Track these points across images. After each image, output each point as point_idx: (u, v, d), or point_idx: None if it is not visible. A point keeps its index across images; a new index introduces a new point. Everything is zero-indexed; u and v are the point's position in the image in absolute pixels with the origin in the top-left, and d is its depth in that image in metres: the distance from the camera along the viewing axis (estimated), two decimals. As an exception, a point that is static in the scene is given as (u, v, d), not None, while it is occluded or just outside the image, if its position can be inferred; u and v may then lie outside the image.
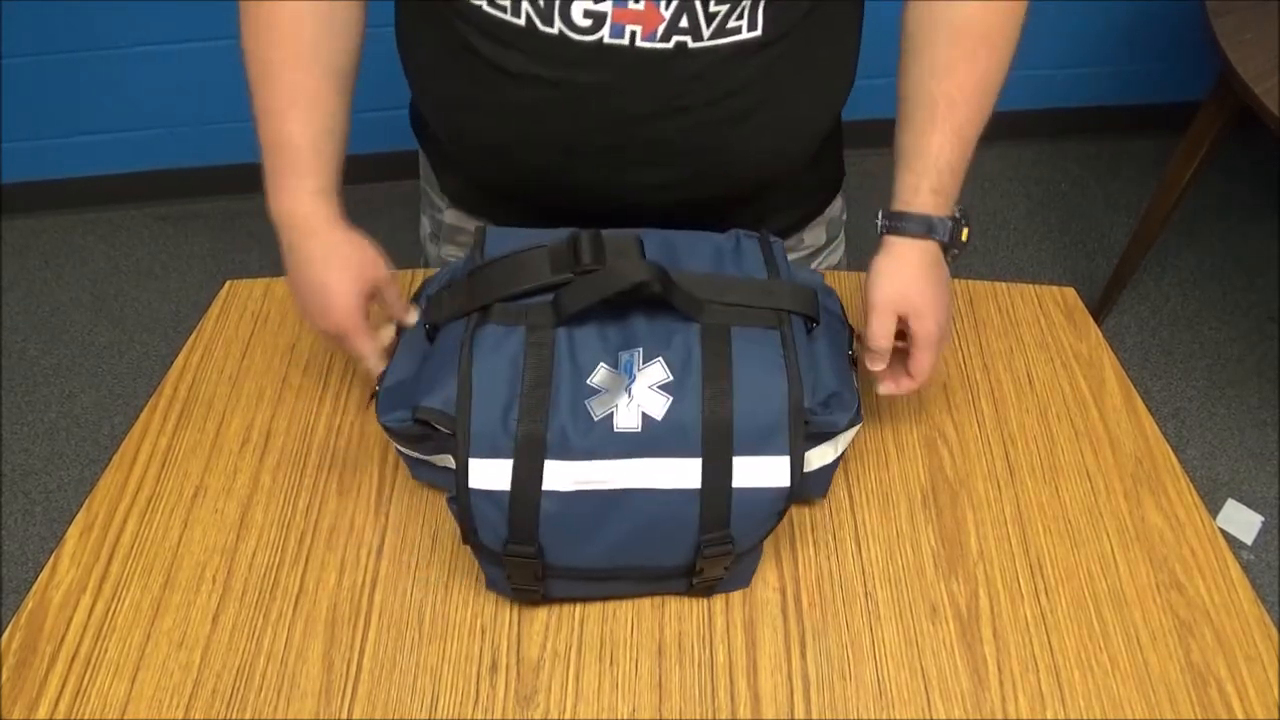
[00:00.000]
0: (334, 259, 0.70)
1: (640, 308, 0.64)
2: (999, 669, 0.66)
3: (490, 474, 0.60)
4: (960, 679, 0.66)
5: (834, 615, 0.69)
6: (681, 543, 0.62)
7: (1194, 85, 1.78)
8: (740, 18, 0.65)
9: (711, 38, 0.65)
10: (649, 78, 0.67)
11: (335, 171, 0.72)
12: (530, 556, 0.61)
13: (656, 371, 0.62)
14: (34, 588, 0.70)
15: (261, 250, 2.02)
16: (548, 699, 0.65)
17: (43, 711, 0.64)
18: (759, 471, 0.61)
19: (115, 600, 0.69)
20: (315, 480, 0.76)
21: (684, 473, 0.61)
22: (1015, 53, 0.71)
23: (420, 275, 0.90)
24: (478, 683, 0.65)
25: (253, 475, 0.77)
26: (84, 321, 2.00)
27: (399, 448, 0.72)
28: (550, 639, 0.67)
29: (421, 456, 0.71)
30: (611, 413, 0.60)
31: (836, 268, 0.98)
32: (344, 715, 0.64)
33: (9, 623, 0.69)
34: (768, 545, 0.72)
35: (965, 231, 0.70)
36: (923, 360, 0.69)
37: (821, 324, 0.69)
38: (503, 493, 0.60)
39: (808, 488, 0.71)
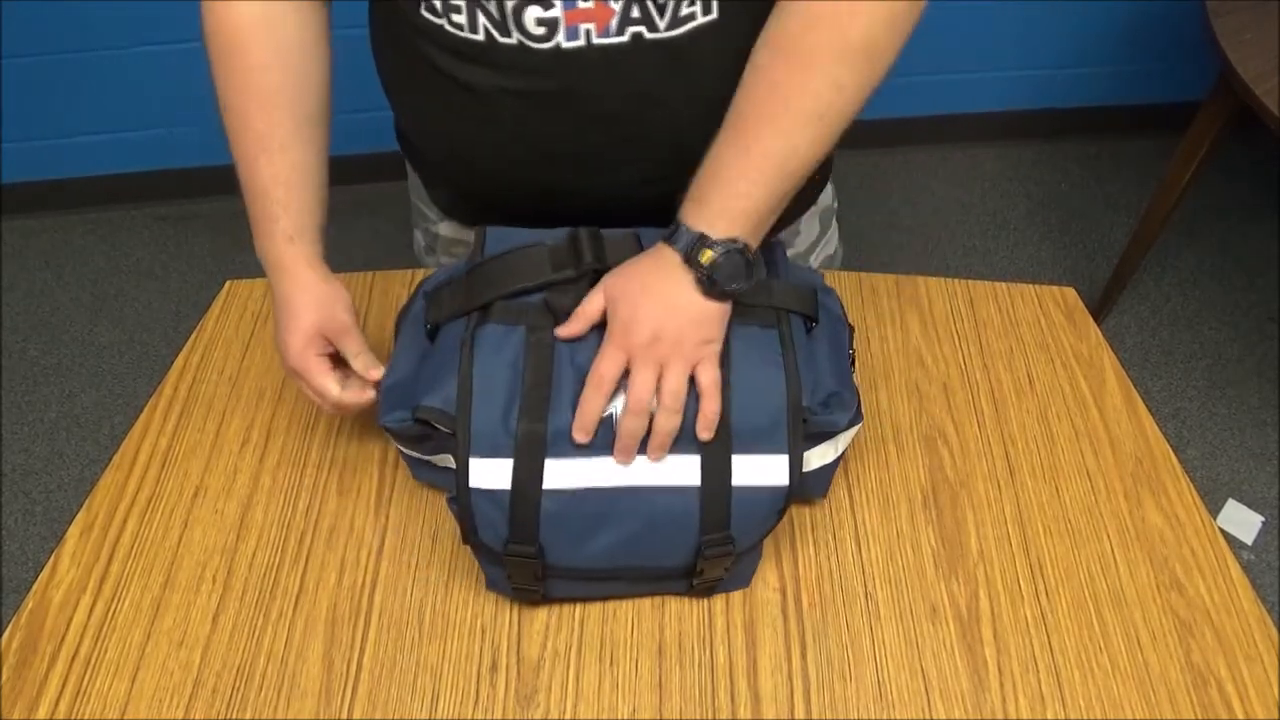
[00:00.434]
0: (296, 299, 0.70)
1: None
2: (999, 669, 0.66)
3: (491, 473, 0.60)
4: (960, 679, 0.66)
5: (834, 616, 0.69)
6: (682, 543, 0.62)
7: (1194, 85, 1.78)
8: (693, 3, 0.64)
9: (668, 27, 0.65)
10: (612, 75, 0.67)
11: (310, 214, 0.72)
12: (531, 556, 0.61)
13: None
14: (34, 587, 0.70)
15: (262, 250, 2.02)
16: (548, 699, 0.65)
17: (43, 711, 0.64)
18: (758, 470, 0.61)
19: (115, 600, 0.69)
20: (315, 480, 0.76)
21: (683, 470, 0.61)
22: (850, 76, 0.62)
23: (420, 274, 0.90)
24: (478, 682, 0.65)
25: (253, 475, 0.77)
26: (84, 321, 2.00)
27: (399, 448, 0.72)
28: (550, 639, 0.67)
29: (422, 456, 0.71)
30: (611, 413, 0.60)
31: (833, 259, 0.98)
32: (344, 715, 0.64)
33: (9, 622, 0.69)
34: (768, 545, 0.72)
35: (709, 254, 0.59)
36: (601, 357, 0.61)
37: (821, 323, 0.69)
38: (503, 492, 0.60)
39: (808, 487, 0.71)
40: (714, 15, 0.65)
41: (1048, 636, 0.68)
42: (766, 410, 0.61)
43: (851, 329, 0.73)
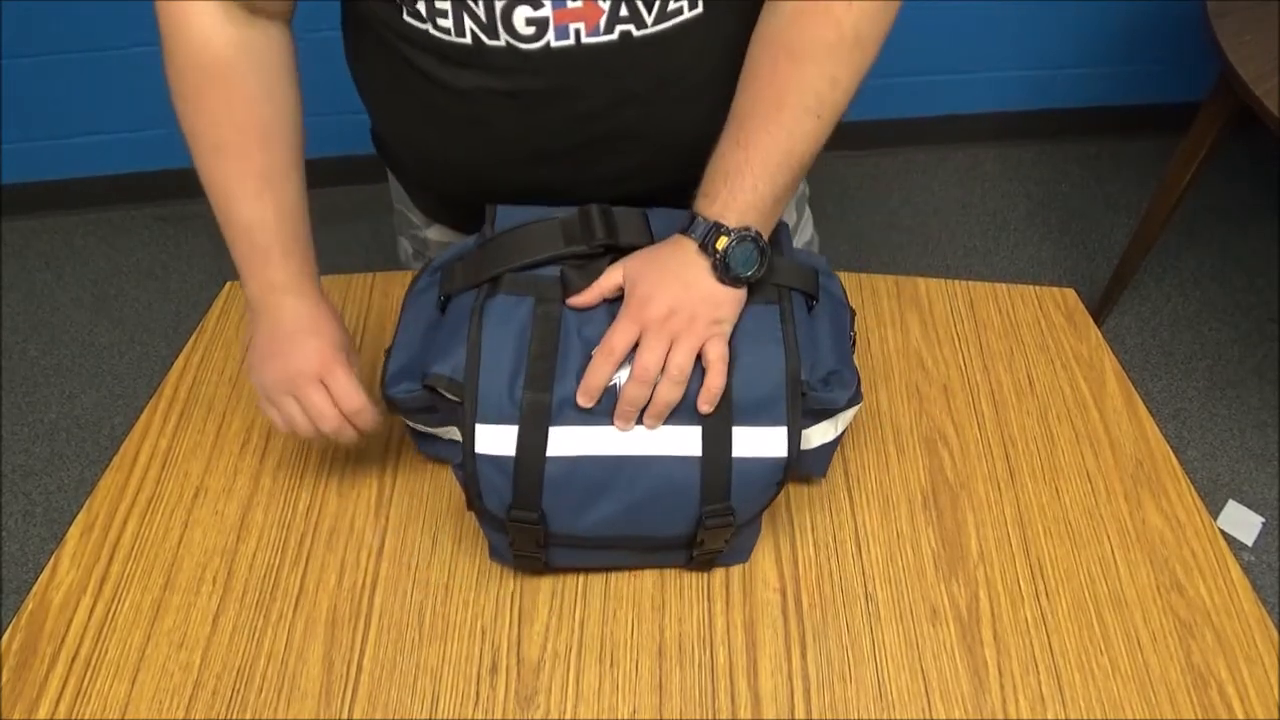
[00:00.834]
0: (320, 319, 0.69)
1: None
2: (999, 671, 0.66)
3: (496, 439, 0.60)
4: (961, 681, 0.66)
5: (834, 616, 0.69)
6: (682, 513, 0.63)
7: (1194, 86, 1.78)
8: None
9: (655, 23, 0.65)
10: (600, 73, 0.67)
11: (307, 247, 0.71)
12: (533, 522, 0.62)
13: None
14: (34, 588, 0.70)
15: (262, 250, 2.02)
16: (548, 700, 0.65)
17: (43, 712, 0.64)
18: (758, 441, 0.62)
19: (116, 601, 0.69)
20: (315, 481, 0.76)
21: (684, 440, 0.62)
22: (843, 69, 0.64)
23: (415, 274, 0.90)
24: (478, 684, 0.65)
25: (253, 476, 0.77)
26: (84, 322, 2.00)
27: (406, 422, 0.72)
28: (550, 640, 0.67)
29: (428, 430, 0.71)
30: (615, 383, 0.61)
31: (810, 245, 0.98)
32: (344, 716, 0.64)
33: (9, 624, 0.69)
34: (767, 546, 0.72)
35: (724, 241, 0.62)
36: (614, 328, 0.63)
37: (822, 304, 0.70)
38: (507, 458, 0.60)
39: (808, 465, 0.72)
40: (700, 10, 0.66)
41: (1048, 638, 0.68)
42: (766, 383, 0.62)
43: (853, 312, 0.74)
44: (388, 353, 0.70)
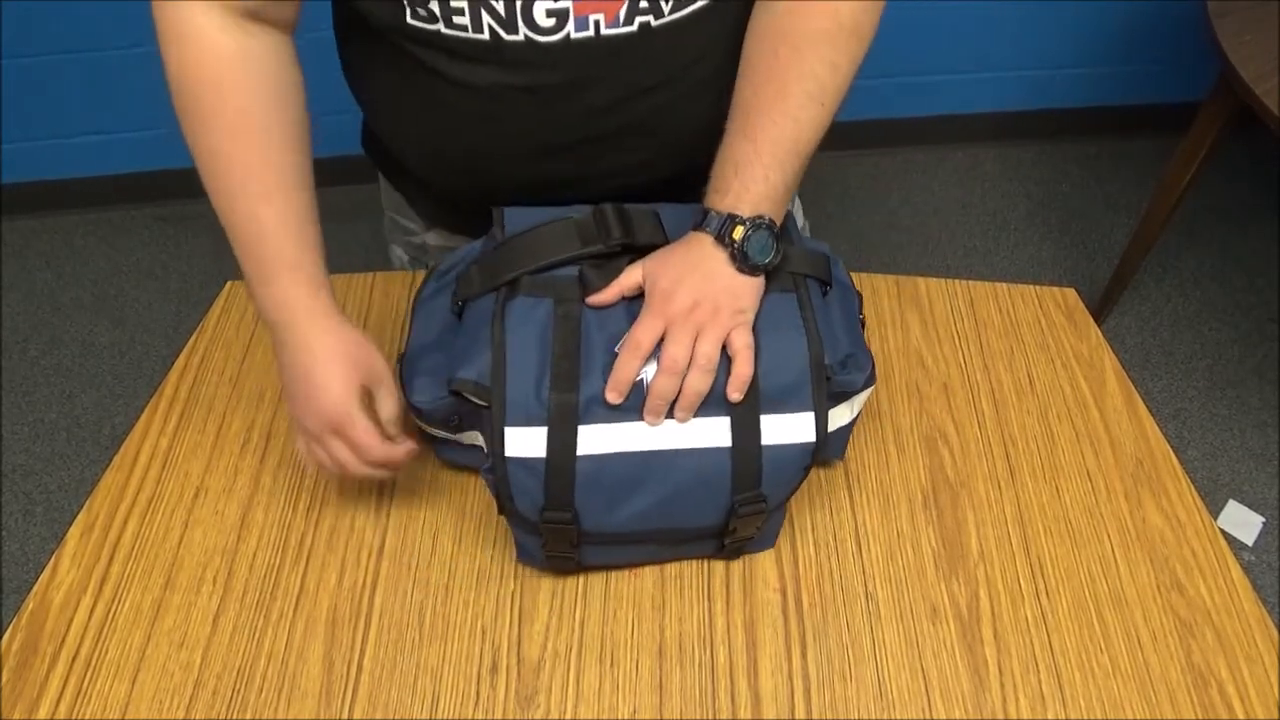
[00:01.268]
0: (332, 347, 0.65)
1: None
2: (1000, 670, 0.66)
3: (526, 442, 0.61)
4: (961, 680, 0.66)
5: (834, 616, 0.69)
6: (714, 503, 0.63)
7: (1194, 86, 1.77)
8: None
9: (672, 11, 0.66)
10: (617, 65, 0.67)
11: (322, 257, 0.68)
12: (567, 523, 0.62)
13: None
14: (35, 588, 0.70)
15: (262, 250, 2.02)
16: (548, 700, 0.65)
17: (43, 712, 0.64)
18: (785, 428, 0.63)
19: (116, 601, 0.69)
20: (316, 481, 0.76)
21: (714, 432, 0.62)
22: (842, 56, 0.66)
23: (419, 276, 0.90)
24: (478, 684, 0.65)
25: (253, 476, 0.77)
26: (84, 322, 2.00)
27: (424, 428, 0.72)
28: (551, 640, 0.67)
29: (448, 436, 0.71)
30: (641, 378, 0.61)
31: (802, 230, 0.97)
32: (344, 716, 0.64)
33: (10, 623, 0.69)
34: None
35: (739, 230, 0.63)
36: (639, 324, 0.63)
37: (832, 289, 0.70)
38: (538, 460, 0.61)
39: (828, 448, 0.72)
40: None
41: (1048, 637, 0.68)
42: (791, 370, 0.63)
43: (859, 295, 0.74)
44: (400, 360, 0.70)
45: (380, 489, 0.76)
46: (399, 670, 0.66)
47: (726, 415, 0.62)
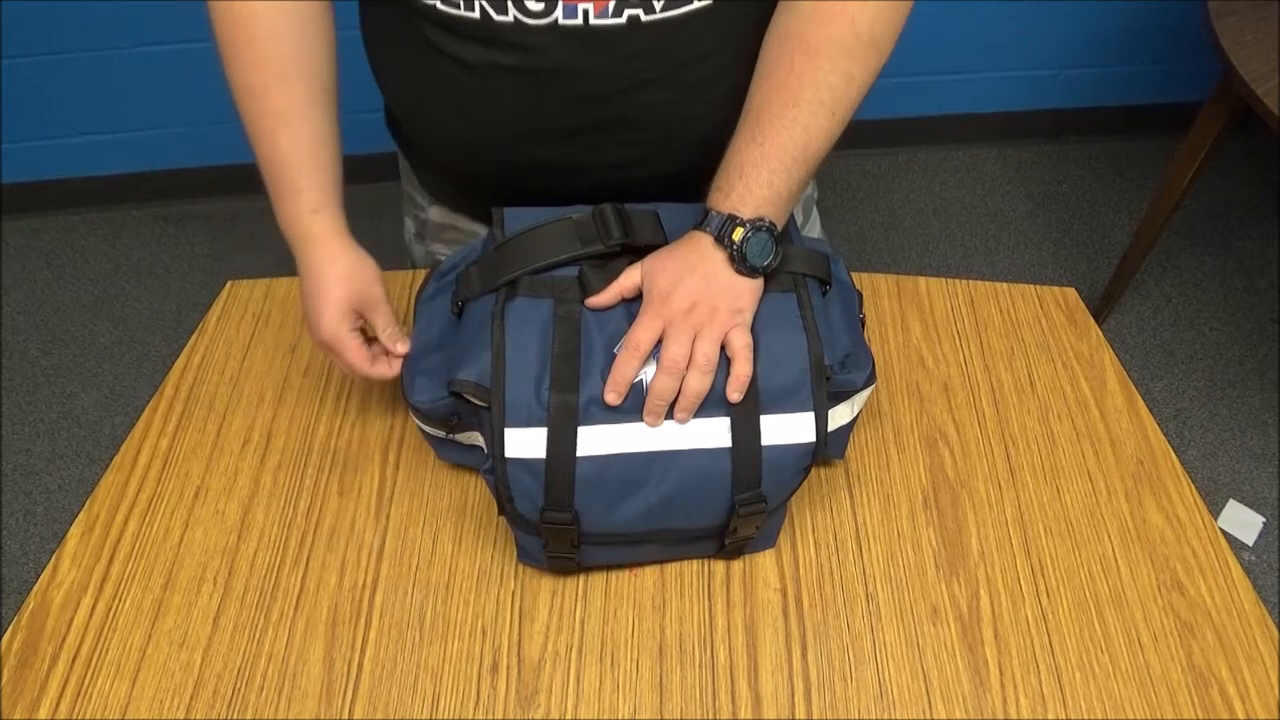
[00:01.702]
0: (328, 271, 0.70)
1: None
2: (1000, 670, 0.66)
3: (526, 442, 0.61)
4: (961, 680, 0.66)
5: (835, 616, 0.69)
6: (715, 503, 0.63)
7: (1195, 86, 1.78)
8: None
9: (664, 9, 0.66)
10: (606, 55, 0.68)
11: (333, 184, 0.72)
12: (567, 523, 0.62)
13: None
14: (35, 588, 0.70)
15: (262, 251, 2.02)
16: (548, 700, 0.65)
17: (44, 712, 0.64)
18: (786, 428, 0.63)
19: (116, 601, 0.69)
20: (316, 481, 0.76)
21: (714, 432, 0.62)
22: (858, 66, 0.65)
23: (419, 275, 0.90)
24: (478, 683, 0.65)
25: (254, 476, 0.77)
26: (84, 321, 2.00)
27: (423, 428, 0.72)
28: (551, 639, 0.67)
29: (447, 436, 0.71)
30: (641, 378, 0.61)
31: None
32: (345, 716, 0.64)
33: (10, 623, 0.69)
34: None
35: (739, 232, 0.63)
36: (637, 325, 0.63)
37: (832, 288, 0.70)
38: (538, 460, 0.61)
39: (828, 447, 0.72)
40: (708, 0, 0.66)
41: (1049, 637, 0.68)
42: (790, 370, 0.63)
43: (859, 294, 0.74)
44: (403, 359, 0.70)
45: (380, 489, 0.76)
46: (399, 670, 0.66)
47: (726, 415, 0.62)
